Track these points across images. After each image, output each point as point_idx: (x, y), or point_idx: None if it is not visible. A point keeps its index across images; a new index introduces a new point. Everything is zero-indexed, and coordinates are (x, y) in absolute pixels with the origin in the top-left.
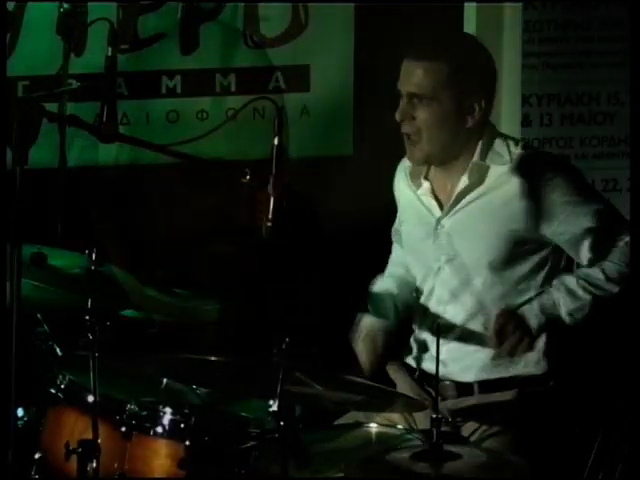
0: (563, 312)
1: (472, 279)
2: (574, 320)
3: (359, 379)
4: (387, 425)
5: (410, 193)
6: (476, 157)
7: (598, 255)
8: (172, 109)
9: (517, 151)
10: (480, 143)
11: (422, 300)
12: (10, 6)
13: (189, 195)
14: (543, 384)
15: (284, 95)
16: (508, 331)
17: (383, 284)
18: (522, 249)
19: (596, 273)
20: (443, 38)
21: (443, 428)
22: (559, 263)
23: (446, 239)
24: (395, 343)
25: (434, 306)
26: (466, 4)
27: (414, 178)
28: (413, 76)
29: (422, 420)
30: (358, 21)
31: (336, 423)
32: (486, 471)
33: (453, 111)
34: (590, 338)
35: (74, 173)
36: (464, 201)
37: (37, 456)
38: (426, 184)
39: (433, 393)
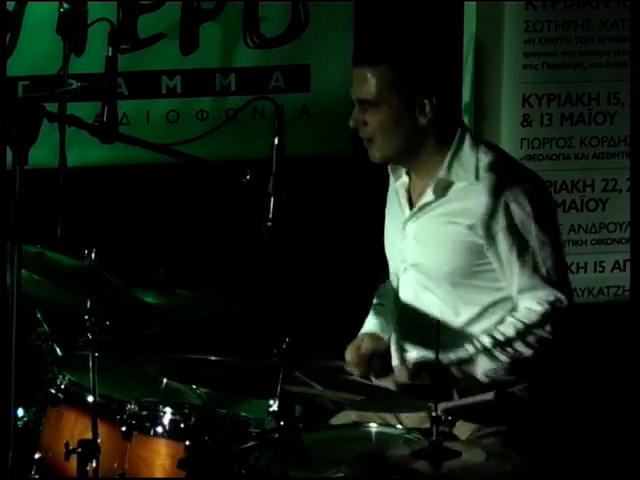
0: (479, 372)
1: (433, 287)
2: (490, 380)
3: (360, 379)
4: (387, 425)
5: (393, 182)
6: (443, 172)
7: (522, 293)
8: (172, 109)
9: (484, 168)
10: (449, 154)
11: (394, 294)
12: (10, 6)
13: (189, 195)
14: (518, 384)
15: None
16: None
17: (384, 300)
18: (480, 262)
19: (511, 333)
20: (385, 41)
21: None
22: None
23: (412, 242)
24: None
25: (402, 303)
26: (466, 4)
27: (395, 170)
28: (360, 82)
29: (414, 421)
30: (358, 21)
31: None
32: (485, 469)
33: (402, 112)
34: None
35: (74, 173)
36: (426, 209)
37: (37, 456)
38: (404, 178)
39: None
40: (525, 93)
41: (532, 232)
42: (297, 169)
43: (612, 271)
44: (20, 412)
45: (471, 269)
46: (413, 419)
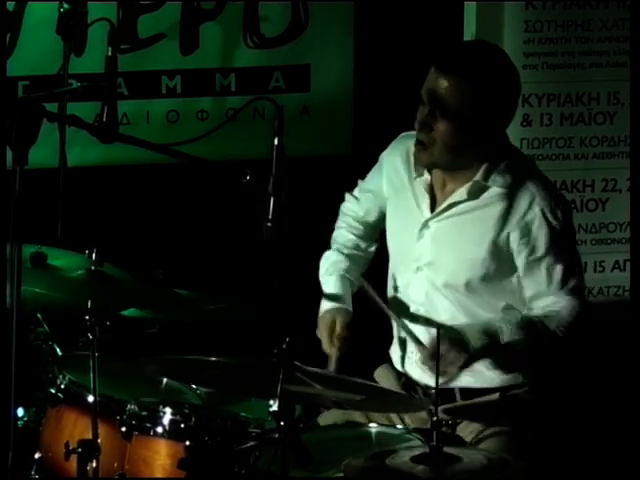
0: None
1: (448, 288)
2: (507, 353)
3: (358, 379)
4: (387, 425)
5: (406, 178)
6: (480, 176)
7: (539, 298)
8: (172, 109)
9: (521, 176)
10: (487, 162)
11: (398, 293)
12: (10, 6)
13: (189, 195)
14: (521, 387)
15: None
16: (443, 349)
17: (335, 267)
18: (501, 267)
19: (537, 315)
20: (477, 54)
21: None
22: None
23: (430, 242)
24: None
25: (409, 303)
26: (466, 4)
27: (417, 167)
28: (440, 88)
29: (415, 420)
30: (358, 21)
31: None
32: (486, 473)
33: (473, 130)
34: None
35: (74, 173)
36: (455, 209)
37: (37, 456)
38: (427, 176)
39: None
40: (525, 93)
41: (564, 242)
42: (297, 169)
43: (612, 271)
44: (20, 412)
45: (492, 274)
46: (414, 416)
